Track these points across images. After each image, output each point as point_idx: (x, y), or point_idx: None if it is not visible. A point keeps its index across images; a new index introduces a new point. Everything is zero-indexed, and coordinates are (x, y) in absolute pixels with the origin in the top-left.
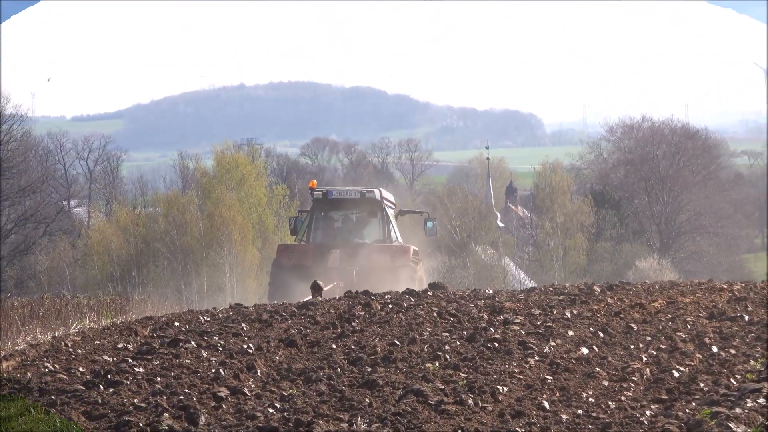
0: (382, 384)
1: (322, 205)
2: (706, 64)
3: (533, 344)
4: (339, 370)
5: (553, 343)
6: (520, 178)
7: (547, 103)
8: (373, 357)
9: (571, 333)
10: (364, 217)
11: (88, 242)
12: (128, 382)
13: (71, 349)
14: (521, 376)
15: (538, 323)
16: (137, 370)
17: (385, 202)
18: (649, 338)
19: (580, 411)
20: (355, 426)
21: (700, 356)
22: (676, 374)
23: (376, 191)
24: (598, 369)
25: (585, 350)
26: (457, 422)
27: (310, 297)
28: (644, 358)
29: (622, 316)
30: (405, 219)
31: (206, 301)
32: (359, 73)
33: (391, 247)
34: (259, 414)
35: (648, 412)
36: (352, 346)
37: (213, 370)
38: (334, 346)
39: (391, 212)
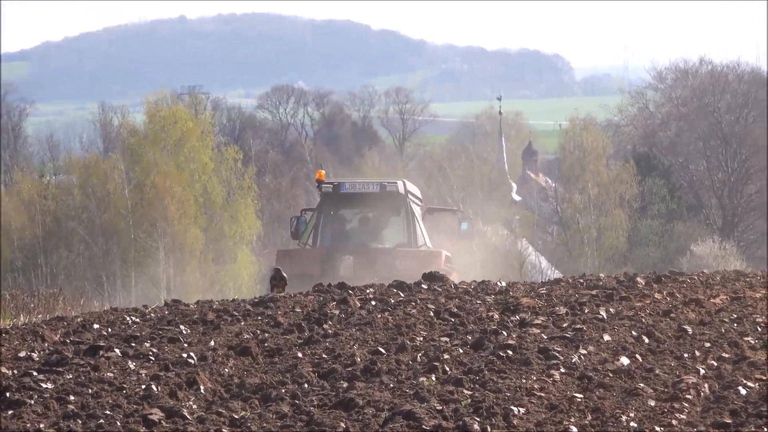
0: (362, 404)
1: (331, 201)
2: None
3: (558, 352)
4: (306, 385)
5: (583, 351)
6: (541, 137)
7: (576, 41)
8: (350, 369)
9: (607, 338)
10: (385, 215)
11: None
12: (32, 402)
13: None
14: (542, 394)
15: (565, 325)
16: (44, 386)
17: (410, 197)
18: (708, 344)
19: None
20: None
21: None
22: (743, 391)
23: (399, 183)
24: (642, 385)
25: (625, 360)
26: None
27: (269, 292)
28: (702, 371)
29: (673, 315)
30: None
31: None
32: (334, 3)
33: (418, 252)
34: None
35: None
36: (324, 355)
37: (143, 387)
38: (299, 355)
39: (417, 210)
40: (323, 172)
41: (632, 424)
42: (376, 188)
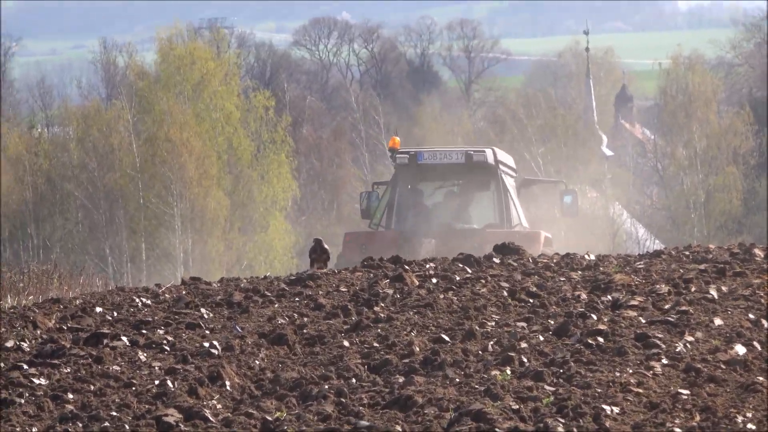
0: (421, 403)
1: (408, 173)
2: None
3: (659, 340)
4: (354, 381)
5: (690, 339)
6: (637, 79)
7: None
8: (407, 360)
9: (718, 322)
10: (472, 190)
11: None
12: (22, 401)
13: None
14: (640, 390)
15: (667, 307)
16: (37, 381)
17: (501, 167)
18: None
19: None
20: None
21: None
22: None
23: (488, 152)
24: (761, 378)
25: (740, 349)
26: None
27: (312, 268)
28: None
29: None
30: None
31: (146, 274)
32: None
33: (512, 234)
34: None
35: None
36: (375, 344)
37: (156, 382)
38: (345, 344)
39: (510, 183)
40: (398, 139)
41: (749, 426)
42: (460, 158)
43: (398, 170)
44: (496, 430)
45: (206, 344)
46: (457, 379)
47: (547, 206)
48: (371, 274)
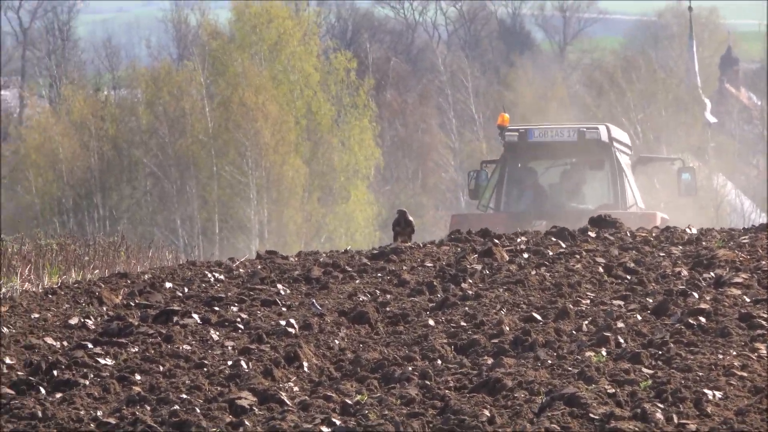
0: (511, 386)
1: (518, 152)
2: None
3: (765, 320)
4: (439, 362)
5: None
6: (744, 41)
7: None
8: (496, 341)
9: None
10: (584, 169)
11: (19, 148)
12: (87, 383)
13: None
14: (744, 374)
15: None
16: (102, 362)
17: (615, 145)
18: None
19: None
20: None
21: None
22: None
23: (602, 129)
24: None
25: None
26: None
27: (395, 242)
28: None
29: None
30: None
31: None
32: None
33: (628, 215)
34: None
35: None
36: (462, 323)
37: (229, 363)
38: (431, 323)
39: (625, 161)
40: (506, 115)
41: None
42: (573, 135)
43: (507, 148)
44: (591, 415)
45: (282, 322)
46: (549, 361)
47: (663, 184)
48: (458, 249)
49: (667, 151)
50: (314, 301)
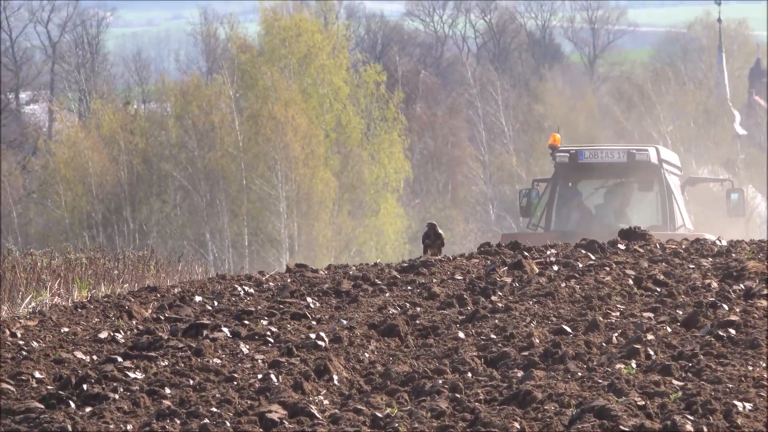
0: (541, 398)
1: (568, 172)
2: None
3: None
4: (470, 375)
5: None
6: None
7: None
8: (526, 353)
9: None
10: (634, 189)
11: (48, 162)
12: (116, 397)
13: (21, 342)
14: None
15: None
16: (132, 375)
17: (665, 166)
18: None
19: None
20: None
21: None
22: None
23: (652, 151)
24: None
25: None
26: None
27: (425, 255)
28: None
29: None
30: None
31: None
32: None
33: (676, 236)
34: None
35: None
36: (492, 336)
37: (259, 377)
38: (461, 335)
39: (674, 182)
40: (558, 136)
41: None
42: (622, 157)
43: (558, 168)
44: (621, 427)
45: (312, 336)
46: (579, 373)
47: (710, 205)
48: (488, 261)
49: (696, 164)
50: (344, 314)
